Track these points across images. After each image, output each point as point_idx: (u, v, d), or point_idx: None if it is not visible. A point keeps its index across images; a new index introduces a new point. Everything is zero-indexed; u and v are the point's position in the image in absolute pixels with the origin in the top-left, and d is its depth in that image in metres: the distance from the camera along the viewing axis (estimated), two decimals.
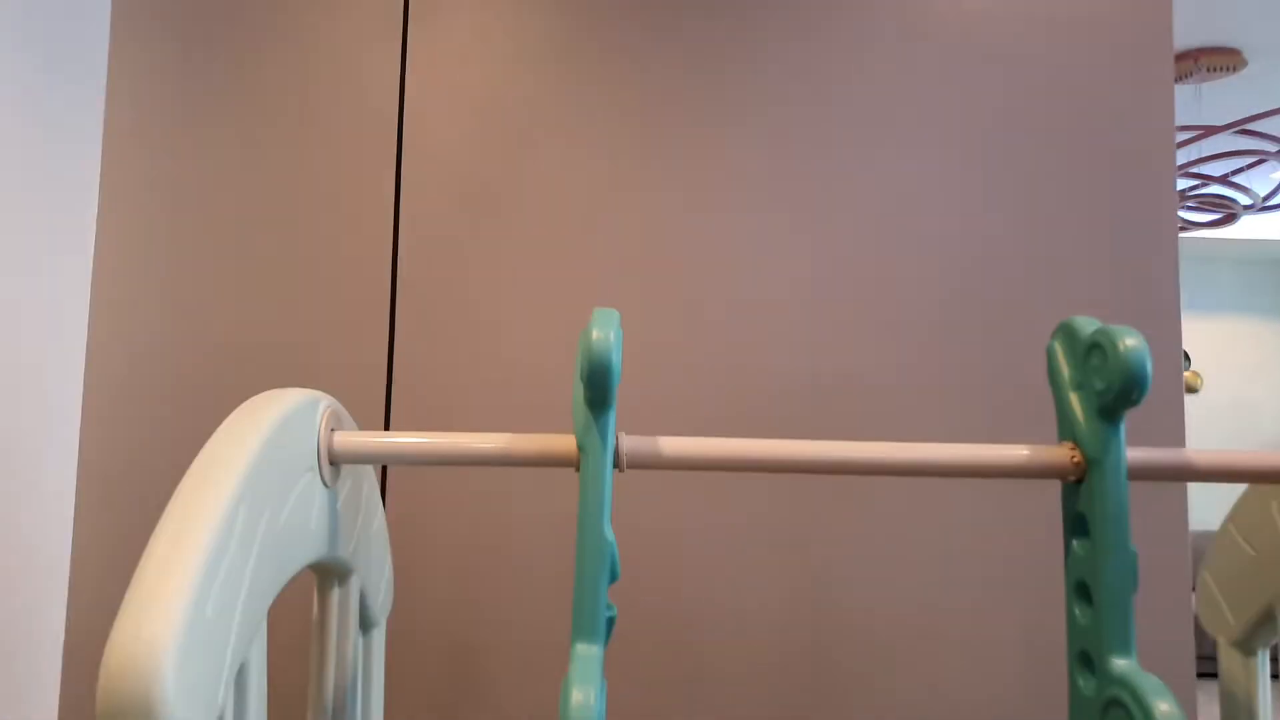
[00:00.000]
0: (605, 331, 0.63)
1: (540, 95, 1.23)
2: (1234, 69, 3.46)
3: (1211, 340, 5.68)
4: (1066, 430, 0.72)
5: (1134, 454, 0.71)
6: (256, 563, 0.56)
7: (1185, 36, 3.32)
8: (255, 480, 0.57)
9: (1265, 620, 0.80)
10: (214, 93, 1.23)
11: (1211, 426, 5.63)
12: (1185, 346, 5.79)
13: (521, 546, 1.17)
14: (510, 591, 1.16)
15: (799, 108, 1.23)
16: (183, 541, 0.51)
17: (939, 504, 1.18)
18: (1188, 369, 5.78)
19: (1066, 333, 0.73)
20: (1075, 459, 0.70)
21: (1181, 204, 4.06)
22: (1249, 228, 5.15)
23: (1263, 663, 0.81)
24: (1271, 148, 3.53)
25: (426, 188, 1.22)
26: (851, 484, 1.18)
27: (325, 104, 1.23)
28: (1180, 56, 3.48)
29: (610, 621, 0.65)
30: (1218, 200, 3.86)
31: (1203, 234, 5.08)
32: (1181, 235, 5.19)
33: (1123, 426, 0.69)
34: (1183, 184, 3.87)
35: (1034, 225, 1.21)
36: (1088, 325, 0.71)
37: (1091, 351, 0.69)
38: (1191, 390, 5.72)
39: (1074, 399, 0.71)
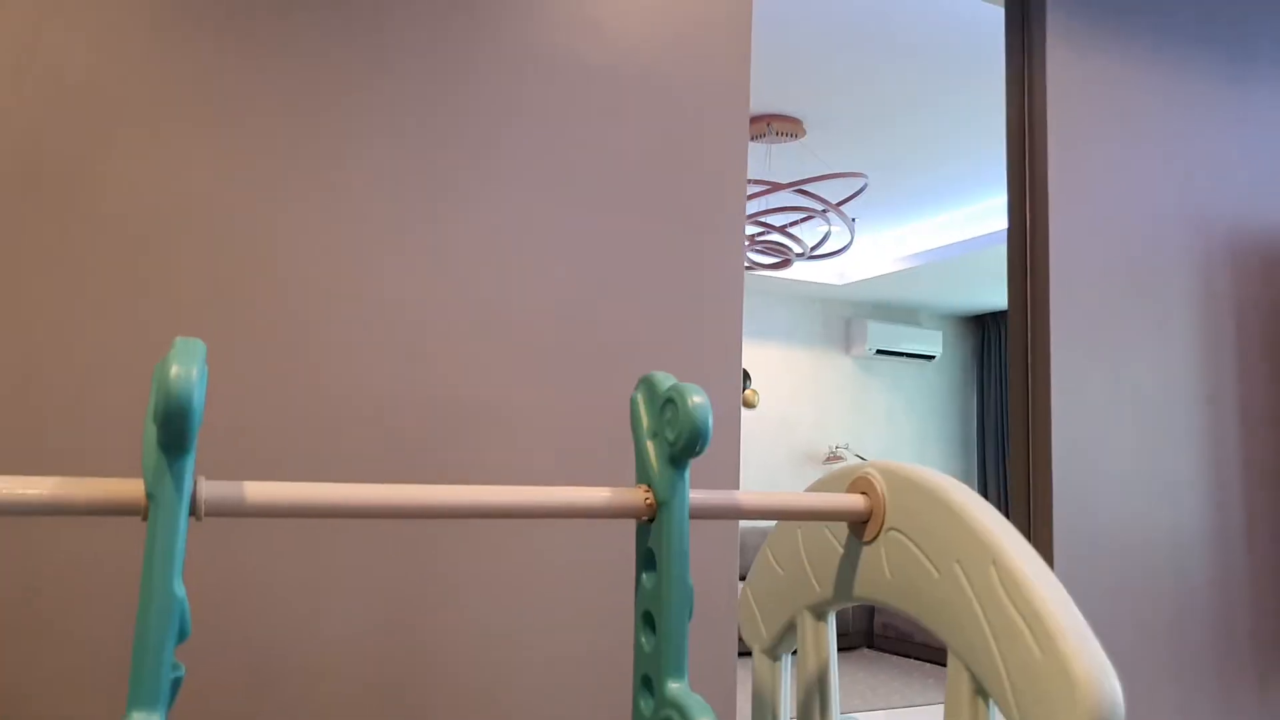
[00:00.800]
0: (186, 367, 0.58)
1: (139, 74, 1.09)
2: (796, 136, 4.06)
3: (768, 364, 6.60)
4: (643, 474, 0.79)
5: (696, 496, 0.80)
6: None
7: (760, 103, 3.83)
8: None
9: (789, 631, 0.95)
10: None
11: (764, 437, 6.53)
12: (747, 368, 6.65)
13: (80, 604, 1.02)
14: (61, 656, 1.01)
15: (422, 136, 1.22)
16: None
17: (529, 540, 1.23)
18: (748, 388, 6.63)
19: (647, 386, 0.81)
20: (649, 500, 0.78)
21: (750, 247, 4.66)
22: (800, 271, 6.08)
23: (786, 667, 0.96)
24: (819, 207, 4.19)
25: None
26: (447, 521, 1.19)
27: None
28: (755, 119, 3.99)
29: (176, 683, 0.60)
30: (778, 246, 4.49)
31: (765, 274, 5.87)
32: (749, 273, 5.96)
33: (688, 472, 0.78)
34: (751, 230, 4.45)
35: (629, 269, 1.32)
36: (665, 381, 0.79)
37: (666, 406, 0.77)
38: (750, 406, 6.58)
39: (650, 446, 0.79)
